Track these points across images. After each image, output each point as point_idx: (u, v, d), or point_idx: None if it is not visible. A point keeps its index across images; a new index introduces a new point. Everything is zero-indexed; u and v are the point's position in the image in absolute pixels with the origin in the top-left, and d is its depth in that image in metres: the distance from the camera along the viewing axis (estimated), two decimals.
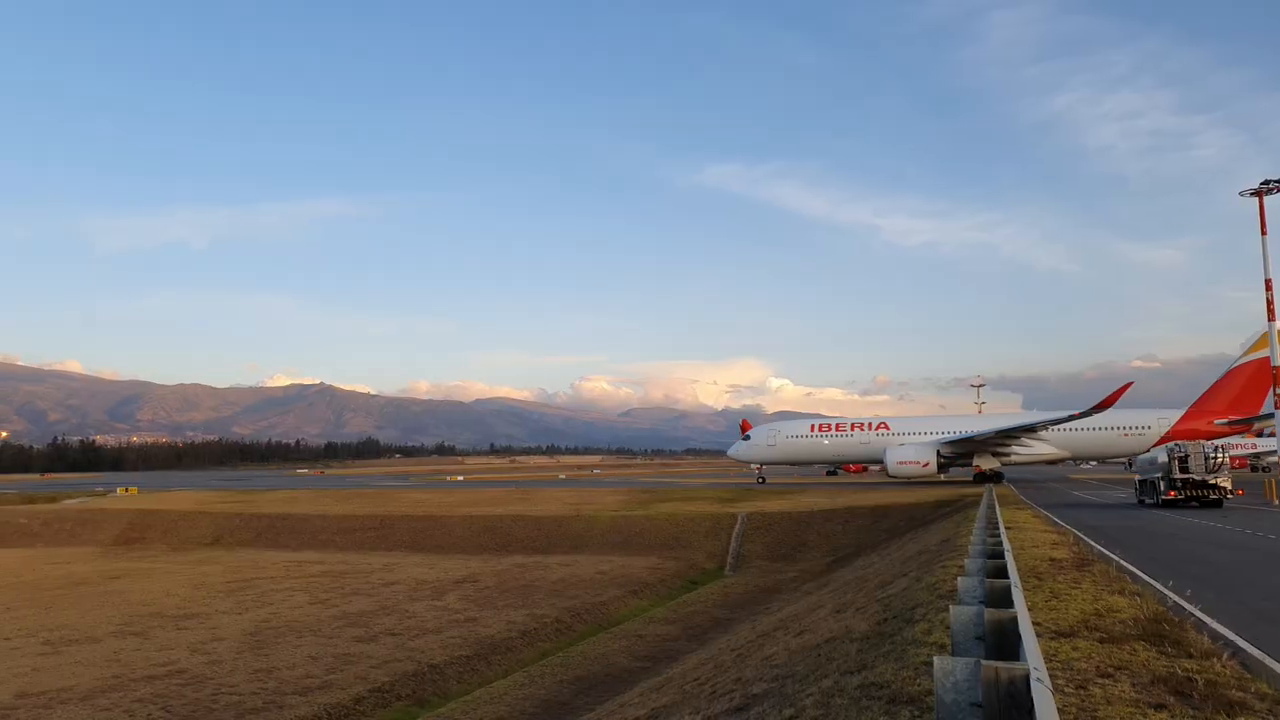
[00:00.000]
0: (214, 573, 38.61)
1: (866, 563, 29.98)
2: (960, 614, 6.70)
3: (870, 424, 74.70)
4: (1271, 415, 57.61)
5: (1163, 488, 37.49)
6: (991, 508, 25.84)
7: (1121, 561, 17.83)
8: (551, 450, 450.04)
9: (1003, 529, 17.33)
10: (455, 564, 40.04)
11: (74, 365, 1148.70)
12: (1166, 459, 37.61)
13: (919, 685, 7.65)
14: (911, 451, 68.43)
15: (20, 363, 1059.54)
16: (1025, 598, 8.59)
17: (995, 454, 68.38)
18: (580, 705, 18.36)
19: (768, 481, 76.12)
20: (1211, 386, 68.36)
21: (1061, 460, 73.42)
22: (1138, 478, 42.92)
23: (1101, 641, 8.67)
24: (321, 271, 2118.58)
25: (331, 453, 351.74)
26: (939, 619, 10.34)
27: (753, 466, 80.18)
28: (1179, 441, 42.46)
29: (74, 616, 28.14)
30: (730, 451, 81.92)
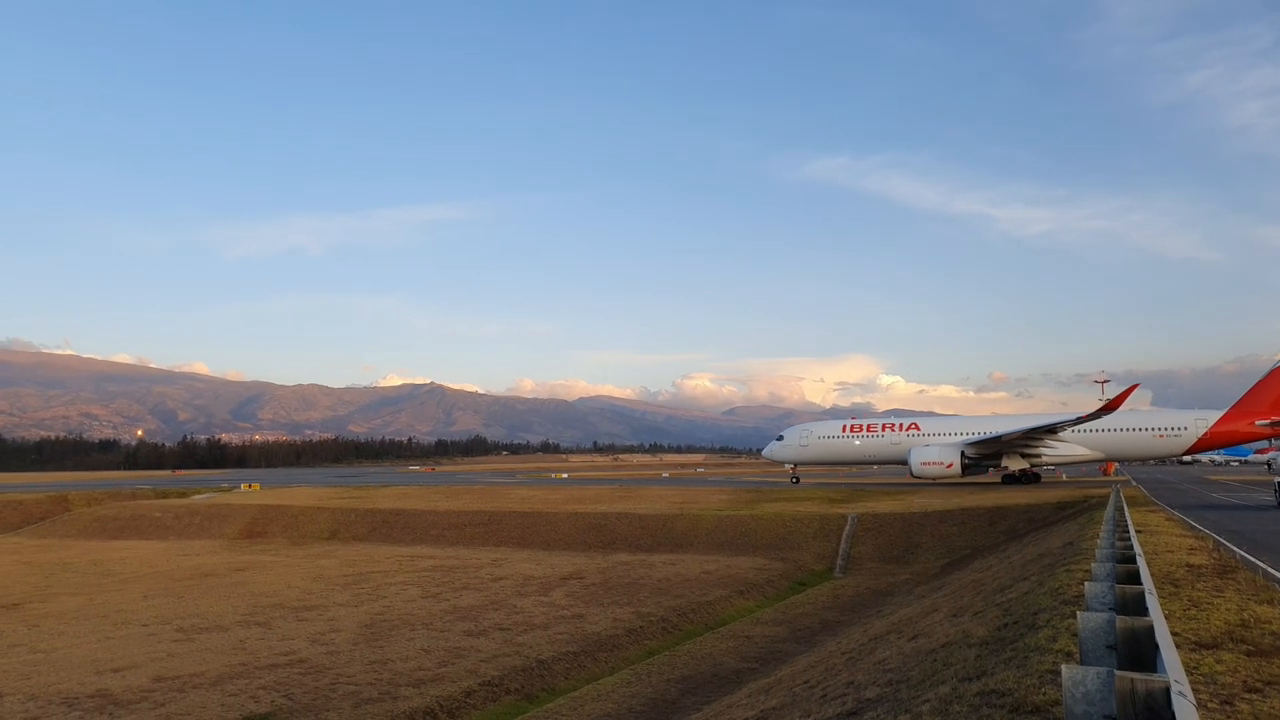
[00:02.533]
0: (331, 566, 40.09)
1: (983, 566, 28.87)
2: (1089, 621, 6.34)
3: (901, 424, 75.41)
4: None
5: None
6: (1120, 509, 24.50)
7: (1269, 569, 16.58)
8: (654, 448, 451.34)
9: (1133, 532, 16.38)
10: (561, 560, 40.55)
11: (201, 367, 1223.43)
12: None
13: (1044, 695, 7.26)
14: (935, 452, 68.31)
15: (153, 365, 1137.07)
16: (1161, 605, 8.05)
17: (1024, 455, 67.77)
18: (688, 705, 18.27)
19: (802, 481, 77.03)
20: (1253, 387, 66.48)
21: (1094, 462, 72.16)
22: (1277, 480, 40.08)
23: (1249, 655, 8.03)
24: (432, 275, 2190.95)
25: (441, 450, 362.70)
26: (1064, 625, 9.82)
27: (787, 467, 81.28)
28: None
29: (203, 606, 29.59)
30: (765, 452, 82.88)
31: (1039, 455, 68.21)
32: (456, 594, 31.31)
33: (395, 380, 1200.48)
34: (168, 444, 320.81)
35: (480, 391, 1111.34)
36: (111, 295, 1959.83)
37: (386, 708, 17.22)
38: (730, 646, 24.19)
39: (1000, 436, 66.75)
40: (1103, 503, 37.52)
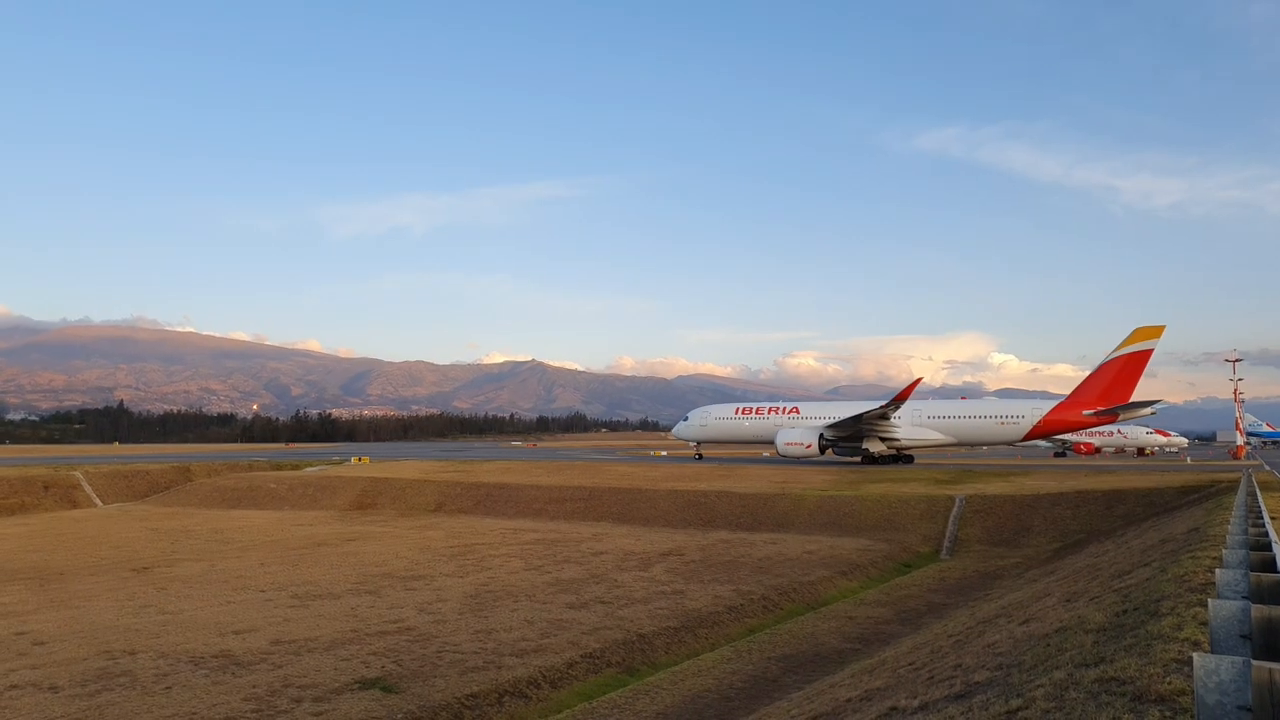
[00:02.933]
0: (437, 538, 41.29)
1: (1099, 550, 27.68)
2: (1221, 609, 6.01)
3: (784, 408, 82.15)
4: (1134, 406, 68.45)
5: None
6: (1252, 494, 23.06)
7: None
8: None
9: (1267, 518, 15.40)
10: (660, 537, 40.83)
11: (314, 344, 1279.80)
12: None
13: (1169, 684, 6.91)
14: (797, 434, 74.81)
15: (268, 342, 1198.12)
16: None
17: (882, 439, 72.67)
18: (789, 683, 18.19)
19: (704, 458, 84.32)
20: (1086, 379, 72.04)
21: (946, 446, 76.51)
22: None
23: None
24: (533, 253, 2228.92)
25: (542, 426, 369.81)
26: (1190, 614, 9.32)
27: (691, 445, 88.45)
28: None
29: (316, 573, 30.86)
30: (672, 431, 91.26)
31: (896, 439, 73.23)
32: (558, 567, 31.92)
33: (498, 357, 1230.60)
34: (281, 418, 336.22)
35: (580, 369, 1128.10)
36: (229, 275, 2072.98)
37: (491, 676, 17.71)
38: (832, 627, 23.95)
39: (839, 421, 72.56)
40: (1232, 488, 35.46)
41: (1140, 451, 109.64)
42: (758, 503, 46.96)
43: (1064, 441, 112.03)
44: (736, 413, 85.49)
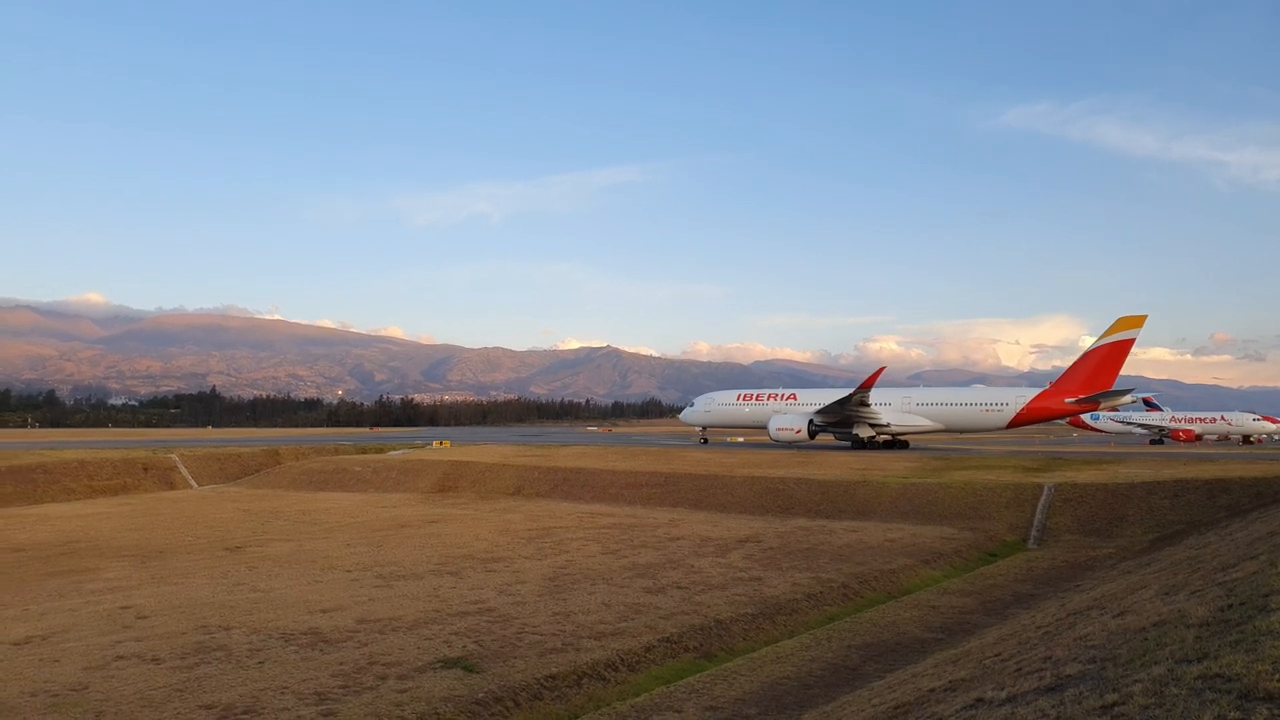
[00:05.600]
0: (516, 521, 41.90)
1: (1200, 542, 26.41)
2: None
3: (783, 394, 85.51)
4: (1114, 394, 71.41)
5: None
6: None
7: None
8: None
9: None
10: (738, 523, 40.60)
11: (396, 331, 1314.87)
12: None
13: (1278, 681, 6.52)
14: (789, 420, 78.17)
15: (353, 330, 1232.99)
16: None
17: (872, 425, 75.89)
18: (870, 672, 17.87)
19: (710, 442, 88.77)
20: (1068, 368, 74.50)
21: (936, 432, 79.18)
22: None
23: None
24: (607, 239, 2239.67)
25: (618, 412, 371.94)
26: None
27: (696, 429, 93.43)
28: None
29: (400, 554, 31.68)
30: (681, 415, 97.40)
31: (885, 424, 76.36)
32: (635, 551, 32.03)
33: (573, 343, 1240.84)
34: (365, 403, 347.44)
35: (655, 355, 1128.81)
36: (315, 264, 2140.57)
37: (570, 658, 17.87)
38: (915, 616, 23.44)
39: (827, 407, 75.43)
40: None
41: (1245, 439, 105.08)
42: (837, 490, 46.26)
43: (1161, 429, 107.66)
44: (738, 399, 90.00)
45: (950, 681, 12.13)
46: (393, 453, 77.10)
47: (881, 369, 72.83)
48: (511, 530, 38.43)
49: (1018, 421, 75.03)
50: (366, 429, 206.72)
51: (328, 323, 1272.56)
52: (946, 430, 79.17)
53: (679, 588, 25.28)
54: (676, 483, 51.73)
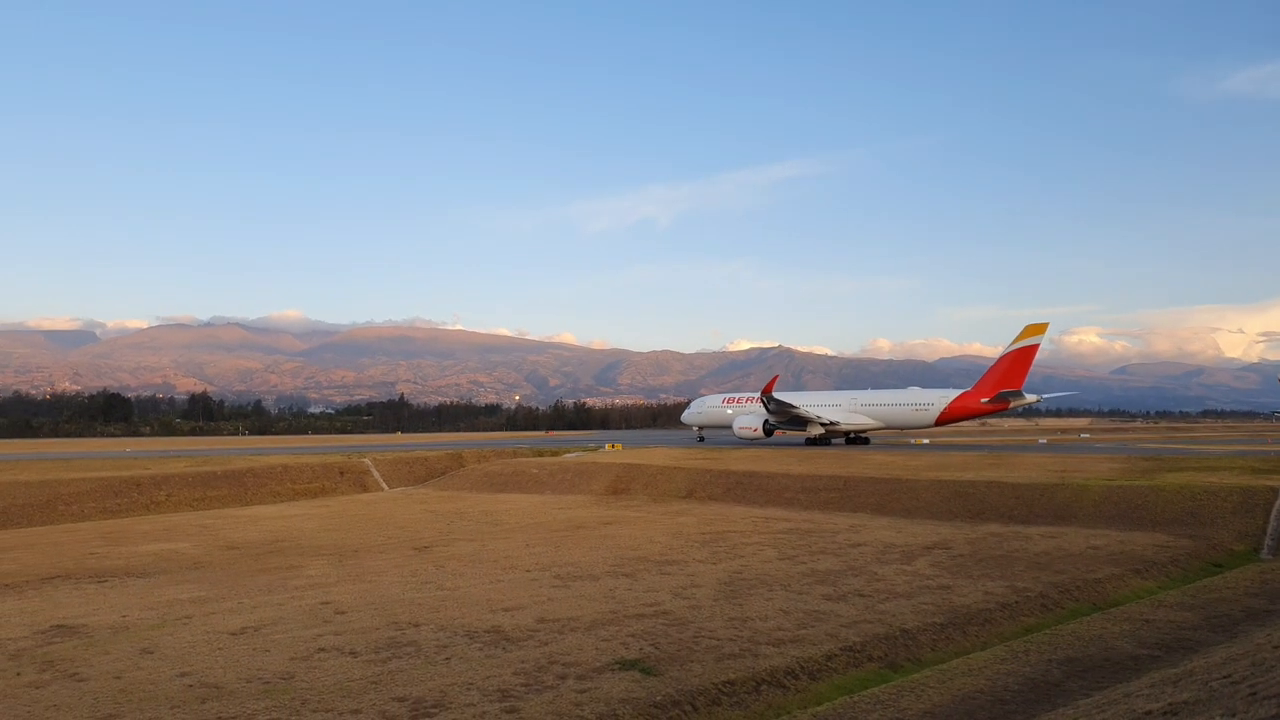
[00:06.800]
0: (689, 524, 41.80)
1: None
2: None
3: (757, 398, 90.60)
4: (1021, 394, 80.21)
5: None
6: None
7: None
8: (1028, 412, 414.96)
9: None
10: (924, 529, 38.78)
11: (568, 337, 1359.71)
12: None
13: None
14: (748, 420, 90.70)
15: (529, 337, 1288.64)
16: None
17: (822, 424, 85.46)
18: (1073, 689, 16.45)
19: (707, 440, 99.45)
20: (987, 371, 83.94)
21: (877, 430, 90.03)
22: None
23: None
24: (778, 235, 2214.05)
25: None
26: None
27: (694, 429, 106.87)
28: None
29: (577, 555, 32.29)
30: (682, 417, 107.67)
31: (834, 423, 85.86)
32: (813, 558, 31.20)
33: (744, 344, 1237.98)
34: (541, 407, 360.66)
35: (830, 354, 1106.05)
36: (492, 275, 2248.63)
37: (748, 664, 17.54)
38: (1124, 629, 21.41)
39: (776, 409, 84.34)
40: None
41: None
42: (1033, 493, 43.30)
43: None
44: (723, 402, 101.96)
45: (1170, 704, 10.89)
46: (567, 455, 79.00)
47: (775, 377, 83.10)
48: (685, 533, 38.41)
49: (944, 419, 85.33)
50: (542, 432, 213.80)
51: (505, 331, 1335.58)
52: (886, 427, 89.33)
53: (861, 595, 24.38)
54: (856, 486, 50.10)
